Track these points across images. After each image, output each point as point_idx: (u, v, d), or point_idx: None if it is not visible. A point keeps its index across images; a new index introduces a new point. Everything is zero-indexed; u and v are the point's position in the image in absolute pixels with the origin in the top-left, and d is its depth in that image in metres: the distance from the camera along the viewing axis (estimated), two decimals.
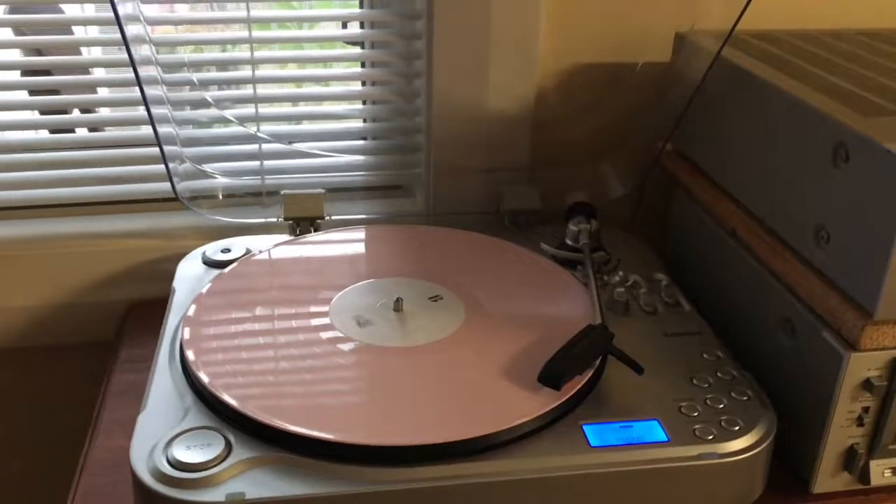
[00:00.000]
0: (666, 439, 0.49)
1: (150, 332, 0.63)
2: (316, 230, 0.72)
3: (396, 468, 0.46)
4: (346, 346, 0.55)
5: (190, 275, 0.66)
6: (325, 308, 0.59)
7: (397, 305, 0.59)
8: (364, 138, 0.80)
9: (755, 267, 0.60)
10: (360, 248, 0.70)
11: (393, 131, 0.79)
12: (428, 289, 0.62)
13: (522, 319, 0.59)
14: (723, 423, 0.51)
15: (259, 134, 0.75)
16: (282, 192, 0.72)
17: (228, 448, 0.47)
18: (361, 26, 0.78)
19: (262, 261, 0.67)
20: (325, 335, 0.56)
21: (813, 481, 0.53)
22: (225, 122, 0.74)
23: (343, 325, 0.57)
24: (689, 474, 0.49)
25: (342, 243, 0.70)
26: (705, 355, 0.57)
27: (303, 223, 0.72)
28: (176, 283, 0.64)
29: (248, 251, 0.68)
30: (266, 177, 0.76)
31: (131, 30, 0.62)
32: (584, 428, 0.50)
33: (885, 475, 0.53)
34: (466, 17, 0.70)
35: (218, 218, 0.72)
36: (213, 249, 0.68)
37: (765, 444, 0.50)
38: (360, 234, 0.72)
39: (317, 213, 0.72)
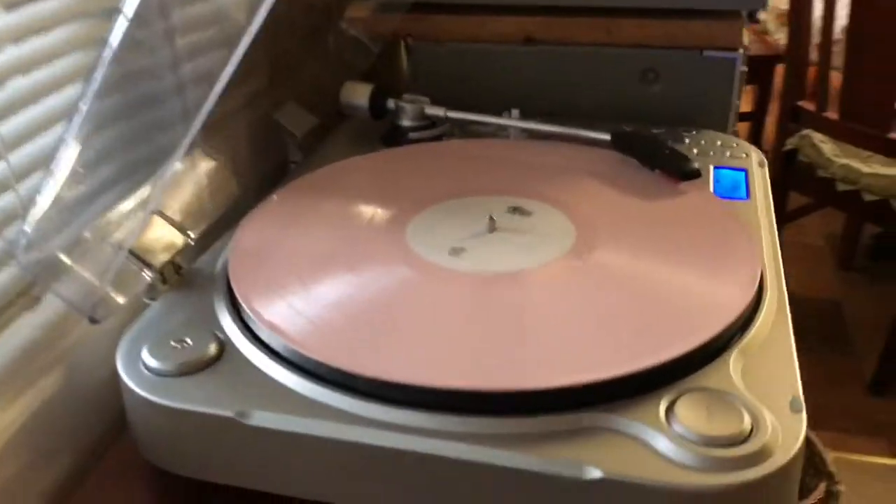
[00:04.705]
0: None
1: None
2: (178, 270, 0.48)
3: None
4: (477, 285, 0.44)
5: (169, 387, 0.38)
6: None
7: (491, 226, 0.48)
8: None
9: (572, 52, 0.66)
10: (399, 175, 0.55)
11: None
12: (500, 201, 0.51)
13: (609, 205, 0.52)
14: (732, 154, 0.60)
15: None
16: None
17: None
18: None
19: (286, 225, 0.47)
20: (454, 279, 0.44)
21: None
22: None
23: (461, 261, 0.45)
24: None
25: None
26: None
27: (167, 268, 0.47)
28: (182, 405, 0.37)
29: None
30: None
31: None
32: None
33: None
34: None
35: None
36: (154, 357, 0.40)
37: None
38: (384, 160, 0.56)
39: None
